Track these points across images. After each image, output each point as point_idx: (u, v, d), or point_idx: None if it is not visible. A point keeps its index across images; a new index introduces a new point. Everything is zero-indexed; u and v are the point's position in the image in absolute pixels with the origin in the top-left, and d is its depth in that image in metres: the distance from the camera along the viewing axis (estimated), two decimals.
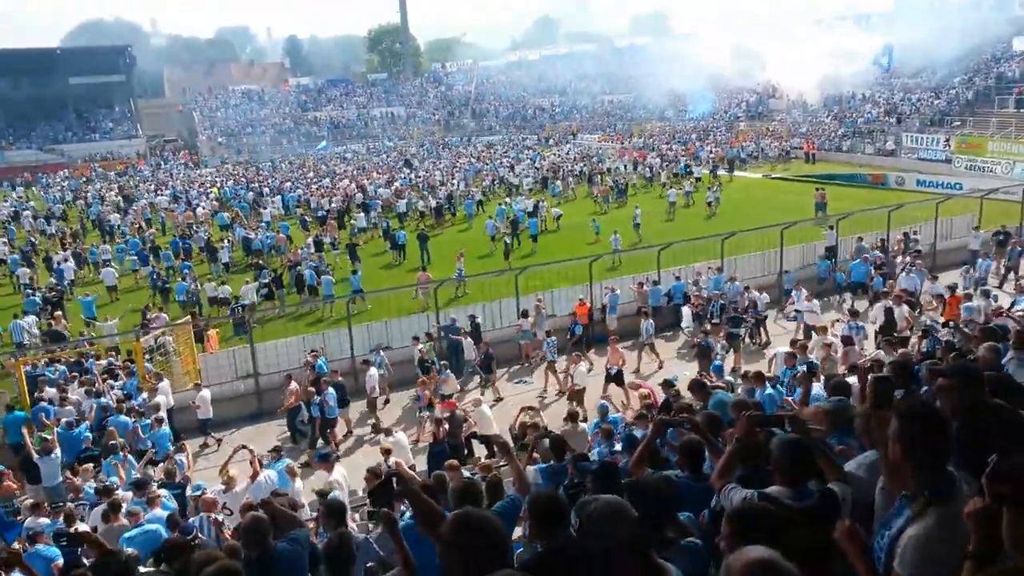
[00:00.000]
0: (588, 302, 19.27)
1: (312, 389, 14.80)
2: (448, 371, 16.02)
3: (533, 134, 70.98)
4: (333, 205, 37.92)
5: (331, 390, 14.74)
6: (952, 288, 15.76)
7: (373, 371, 15.92)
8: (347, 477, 9.98)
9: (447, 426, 12.70)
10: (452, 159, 56.74)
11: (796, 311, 17.86)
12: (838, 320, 15.93)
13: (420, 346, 16.93)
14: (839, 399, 5.63)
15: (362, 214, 35.09)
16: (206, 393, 15.50)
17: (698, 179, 40.79)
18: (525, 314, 18.58)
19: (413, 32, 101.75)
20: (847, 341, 13.12)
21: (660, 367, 17.21)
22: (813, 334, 14.52)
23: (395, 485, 3.53)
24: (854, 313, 15.63)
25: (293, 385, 15.12)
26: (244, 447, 10.11)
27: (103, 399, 14.69)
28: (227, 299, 23.39)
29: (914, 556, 2.61)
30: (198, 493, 9.26)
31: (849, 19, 68.28)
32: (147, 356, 17.22)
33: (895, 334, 13.25)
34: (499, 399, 16.34)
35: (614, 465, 5.74)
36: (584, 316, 18.94)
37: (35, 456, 12.27)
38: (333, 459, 10.14)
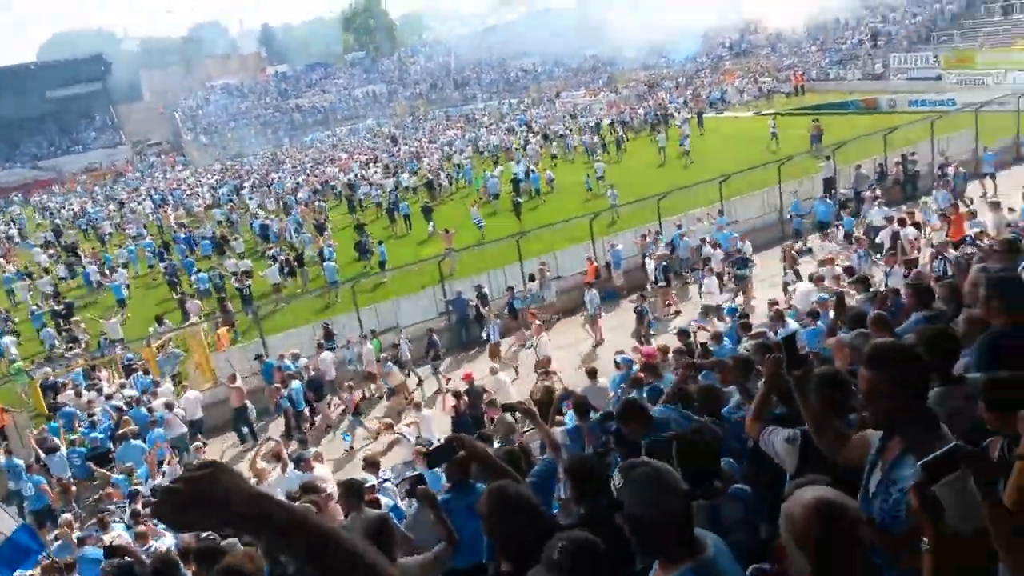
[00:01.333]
0: (594, 260, 19.22)
1: (278, 386, 14.92)
2: (390, 363, 15.42)
3: (516, 97, 70.26)
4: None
5: (296, 384, 14.90)
6: (955, 205, 15.63)
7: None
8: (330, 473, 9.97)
9: (467, 399, 12.76)
10: (434, 131, 56.31)
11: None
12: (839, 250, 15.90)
13: (368, 345, 16.43)
14: (860, 332, 5.62)
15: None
16: (192, 395, 15.35)
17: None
18: (532, 278, 18.53)
19: (385, 7, 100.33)
20: (850, 271, 13.00)
21: (597, 344, 16.81)
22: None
23: (457, 448, 3.49)
24: (858, 240, 15.53)
25: (238, 383, 15.10)
26: (270, 438, 10.16)
27: (114, 400, 15.06)
28: (250, 271, 24.36)
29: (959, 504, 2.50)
30: None
31: None
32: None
33: (903, 257, 13.17)
34: (439, 391, 15.86)
35: (633, 403, 5.77)
36: (592, 274, 18.89)
37: (42, 455, 12.52)
38: (308, 458, 10.04)
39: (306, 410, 15.03)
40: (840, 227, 18.14)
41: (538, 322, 16.10)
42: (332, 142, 63.98)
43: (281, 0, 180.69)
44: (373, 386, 16.37)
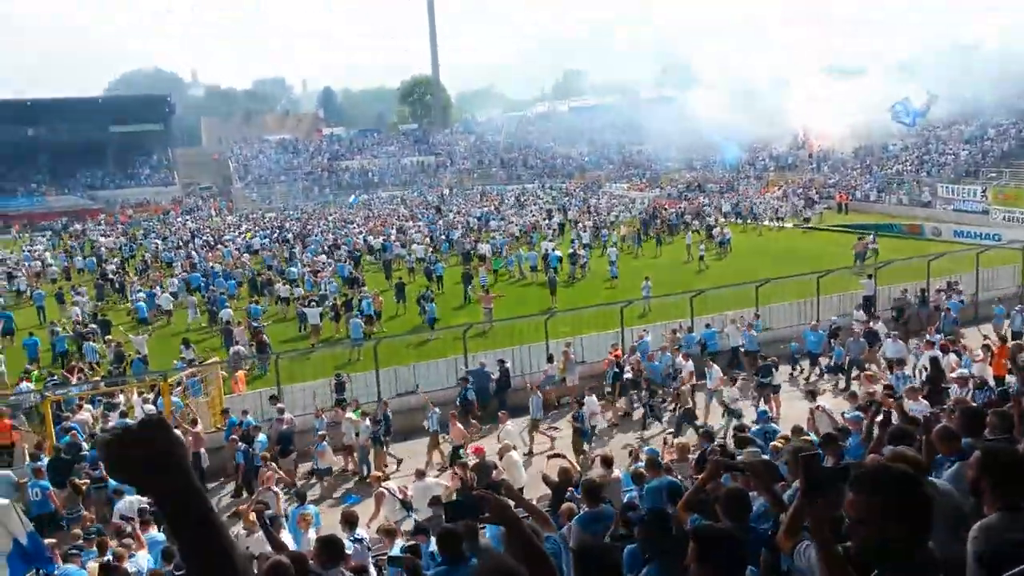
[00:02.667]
0: (620, 348, 18.90)
1: (235, 437, 14.55)
2: (324, 443, 14.70)
3: (561, 182, 71.40)
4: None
5: (261, 437, 14.51)
6: (1003, 338, 15.17)
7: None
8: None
9: (474, 473, 12.33)
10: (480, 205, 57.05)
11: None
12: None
13: (349, 414, 15.63)
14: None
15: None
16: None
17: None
18: (551, 359, 18.25)
19: (444, 83, 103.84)
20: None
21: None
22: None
23: (484, 505, 2.93)
24: (898, 362, 15.06)
25: (198, 427, 14.85)
26: (270, 488, 9.83)
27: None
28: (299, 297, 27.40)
29: None
30: None
31: (878, 67, 67.86)
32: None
33: (943, 385, 12.70)
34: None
35: (665, 512, 5.39)
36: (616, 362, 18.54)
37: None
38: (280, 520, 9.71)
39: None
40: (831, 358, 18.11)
41: (502, 411, 15.56)
42: (374, 205, 65.05)
43: (347, 64, 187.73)
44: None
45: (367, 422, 15.34)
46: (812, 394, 13.85)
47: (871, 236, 33.35)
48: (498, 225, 45.14)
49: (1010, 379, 11.64)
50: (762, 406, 14.57)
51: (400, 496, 11.52)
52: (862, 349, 17.73)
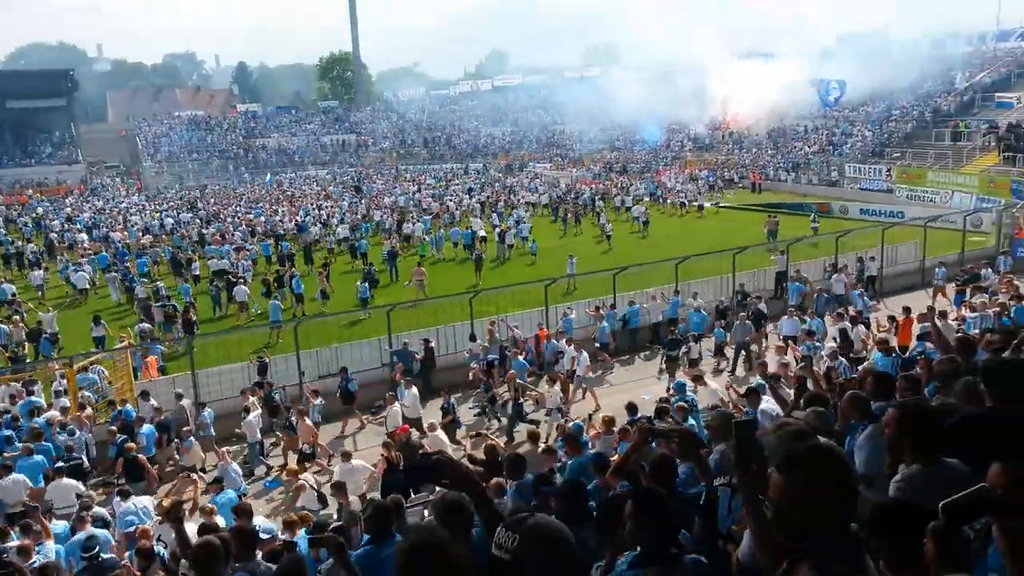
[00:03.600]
0: (545, 327, 18.99)
1: (114, 428, 13.89)
2: (191, 439, 13.97)
3: (483, 162, 71.16)
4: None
5: (146, 427, 13.94)
6: (907, 310, 15.89)
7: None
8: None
9: (399, 452, 12.18)
10: (401, 185, 56.26)
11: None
12: (789, 340, 16.01)
13: (252, 399, 15.01)
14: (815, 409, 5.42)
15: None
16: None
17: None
18: (473, 338, 18.19)
19: (365, 61, 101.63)
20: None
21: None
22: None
23: (440, 467, 2.82)
24: (809, 333, 15.66)
25: (87, 411, 14.43)
26: (189, 474, 9.46)
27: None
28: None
29: None
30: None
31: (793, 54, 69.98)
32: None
33: (852, 354, 13.24)
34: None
35: (581, 483, 5.40)
36: (541, 341, 18.63)
37: None
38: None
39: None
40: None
41: (391, 393, 15.43)
42: (291, 183, 63.19)
43: (263, 39, 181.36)
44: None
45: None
46: (698, 377, 13.88)
47: (812, 216, 34.41)
48: (420, 204, 44.77)
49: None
50: (679, 378, 14.85)
51: (316, 489, 11.36)
52: (748, 331, 17.94)
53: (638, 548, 3.25)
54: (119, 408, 14.74)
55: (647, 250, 30.40)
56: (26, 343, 21.22)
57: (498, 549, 2.59)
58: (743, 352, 17.91)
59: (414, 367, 17.54)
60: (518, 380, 16.12)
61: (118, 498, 10.20)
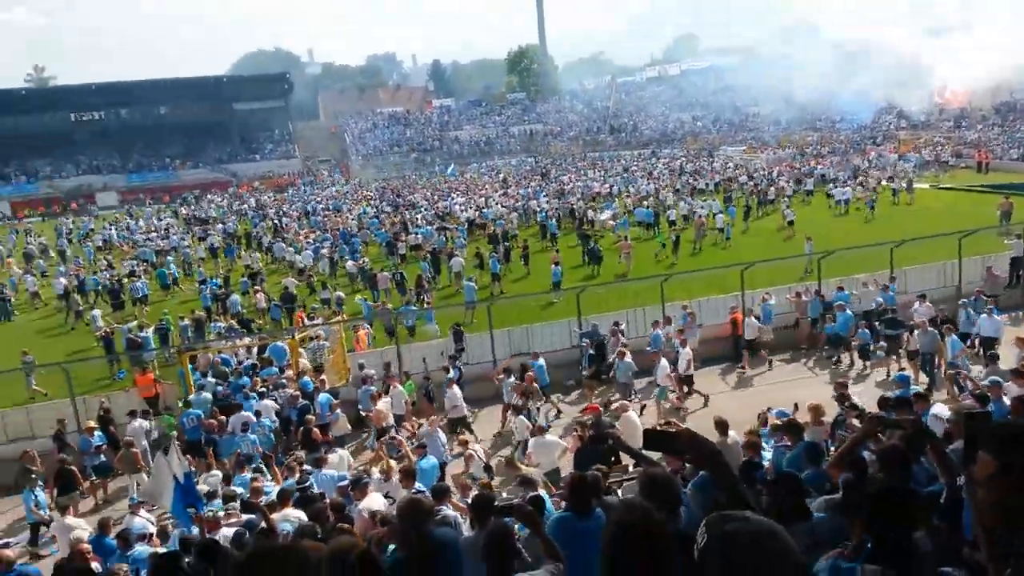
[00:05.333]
0: (740, 311, 18.15)
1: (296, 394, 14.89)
2: (339, 411, 14.69)
3: (674, 148, 69.41)
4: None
5: (323, 396, 14.70)
6: None
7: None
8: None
9: (592, 432, 12.13)
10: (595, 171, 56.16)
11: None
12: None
13: (398, 387, 15.27)
14: None
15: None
16: (138, 424, 14.63)
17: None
18: (669, 321, 17.67)
19: (551, 52, 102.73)
20: None
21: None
22: None
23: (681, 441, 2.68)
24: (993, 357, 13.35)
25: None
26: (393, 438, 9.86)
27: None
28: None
29: None
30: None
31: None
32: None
33: None
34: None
35: (795, 476, 5.05)
36: (738, 326, 17.84)
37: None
38: None
39: None
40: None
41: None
42: (484, 172, 65.42)
43: (456, 37, 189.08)
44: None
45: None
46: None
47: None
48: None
49: None
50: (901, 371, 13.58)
51: (484, 460, 11.76)
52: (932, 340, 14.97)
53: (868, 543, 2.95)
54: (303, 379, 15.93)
55: (857, 235, 28.12)
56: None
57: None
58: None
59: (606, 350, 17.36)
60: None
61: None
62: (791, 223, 31.06)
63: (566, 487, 6.18)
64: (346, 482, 9.46)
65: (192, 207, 57.37)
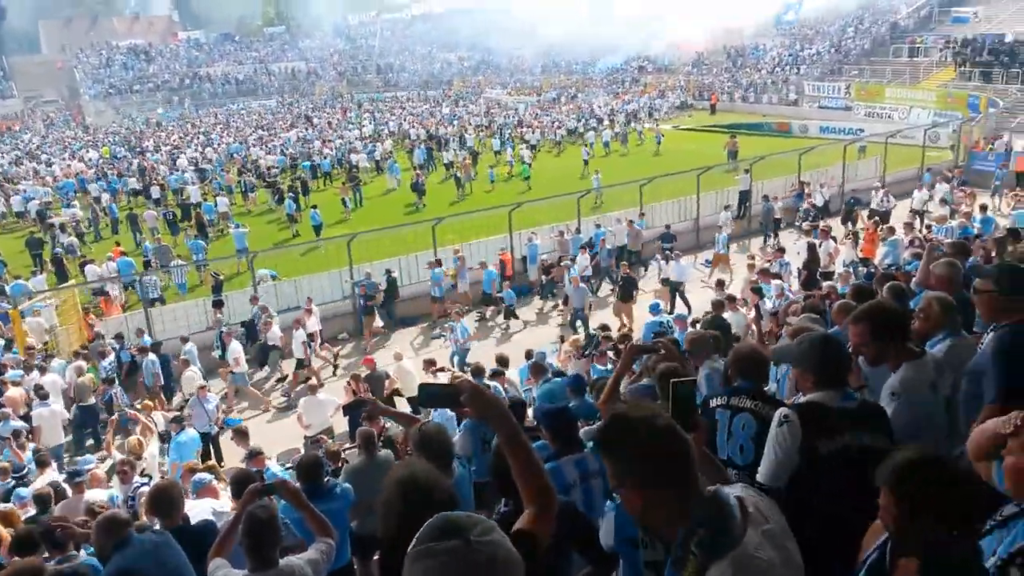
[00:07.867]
0: (508, 252, 18.69)
1: None
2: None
3: (439, 89, 69.25)
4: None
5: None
6: (876, 222, 15.89)
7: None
8: None
9: (367, 384, 11.98)
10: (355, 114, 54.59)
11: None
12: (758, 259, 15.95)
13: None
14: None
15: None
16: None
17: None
18: (439, 263, 17.76)
19: None
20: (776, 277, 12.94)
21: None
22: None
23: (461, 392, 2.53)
24: (780, 250, 15.56)
25: None
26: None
27: None
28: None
29: None
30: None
31: None
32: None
33: (819, 268, 13.24)
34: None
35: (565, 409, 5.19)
36: (507, 267, 18.37)
37: None
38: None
39: None
40: None
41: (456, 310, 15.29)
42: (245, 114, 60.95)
43: None
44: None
45: None
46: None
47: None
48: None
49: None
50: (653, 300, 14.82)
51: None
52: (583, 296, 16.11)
53: None
54: None
55: (608, 175, 29.99)
56: None
57: None
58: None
59: (377, 299, 17.15)
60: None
61: None
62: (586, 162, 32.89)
63: (297, 467, 5.97)
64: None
65: None
